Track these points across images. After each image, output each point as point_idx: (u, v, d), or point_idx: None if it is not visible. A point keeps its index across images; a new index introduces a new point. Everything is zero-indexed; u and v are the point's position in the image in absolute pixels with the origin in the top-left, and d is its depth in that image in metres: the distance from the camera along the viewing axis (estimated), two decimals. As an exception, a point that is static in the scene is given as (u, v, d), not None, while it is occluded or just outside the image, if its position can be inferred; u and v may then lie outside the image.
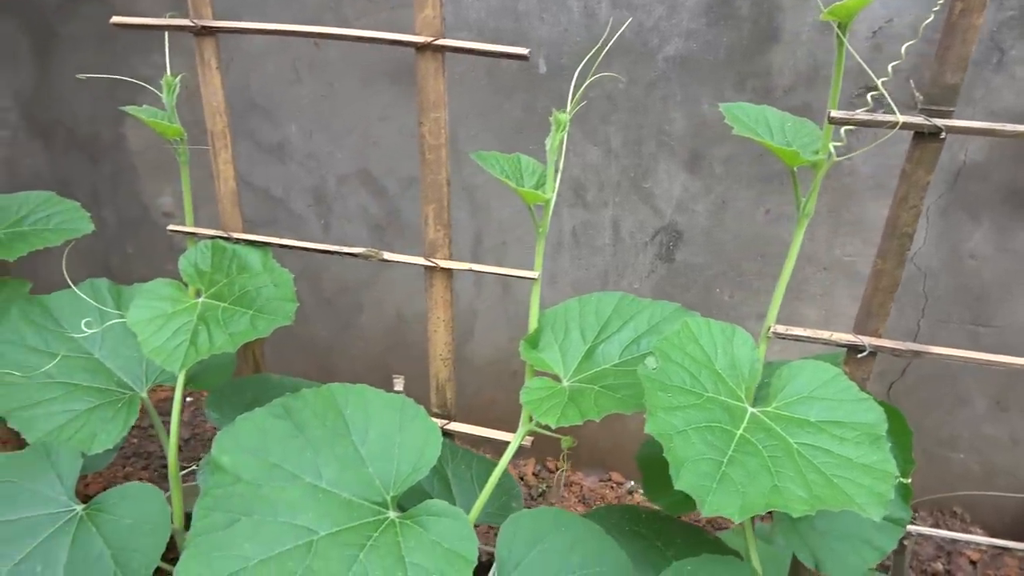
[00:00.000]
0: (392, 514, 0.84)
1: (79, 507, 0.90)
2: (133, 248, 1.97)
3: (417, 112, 0.89)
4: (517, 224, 1.66)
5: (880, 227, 1.45)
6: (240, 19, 1.65)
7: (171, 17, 1.03)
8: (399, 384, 1.07)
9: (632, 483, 1.82)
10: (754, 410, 0.82)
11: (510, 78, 1.54)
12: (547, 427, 0.95)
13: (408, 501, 0.88)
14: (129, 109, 0.96)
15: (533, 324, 0.96)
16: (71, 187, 1.94)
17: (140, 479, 1.79)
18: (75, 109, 1.85)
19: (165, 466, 1.88)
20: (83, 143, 1.88)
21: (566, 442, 0.95)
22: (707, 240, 1.56)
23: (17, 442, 1.45)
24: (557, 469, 1.87)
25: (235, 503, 0.80)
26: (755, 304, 1.58)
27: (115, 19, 0.95)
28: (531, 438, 0.98)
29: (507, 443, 1.05)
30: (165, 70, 1.80)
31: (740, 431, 0.78)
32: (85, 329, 1.02)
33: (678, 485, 0.69)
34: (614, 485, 1.81)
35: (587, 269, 1.65)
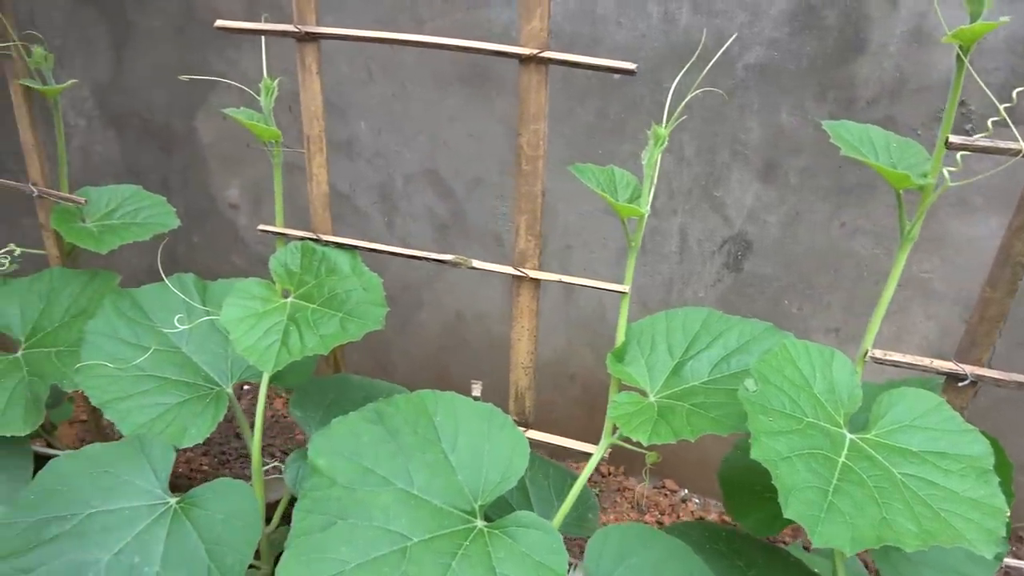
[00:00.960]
0: (480, 523, 0.85)
1: (172, 500, 0.92)
2: (199, 238, 2.01)
3: (516, 123, 0.89)
4: (582, 228, 1.66)
5: (960, 245, 1.42)
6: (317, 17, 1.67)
7: (266, 19, 1.04)
8: (477, 389, 1.08)
9: (686, 491, 1.81)
10: (853, 437, 0.81)
11: (584, 83, 1.54)
12: (628, 440, 0.95)
13: (492, 510, 0.88)
14: (228, 111, 0.97)
15: (620, 338, 0.95)
16: (142, 176, 1.98)
17: (200, 465, 1.83)
18: (150, 100, 1.89)
19: (224, 452, 1.92)
20: (156, 133, 1.92)
21: (651, 458, 0.94)
22: (778, 251, 1.53)
23: (93, 417, 1.49)
24: (609, 474, 1.87)
25: (331, 506, 0.81)
26: (825, 318, 1.56)
27: (219, 23, 0.96)
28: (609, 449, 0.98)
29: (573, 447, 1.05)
30: (238, 65, 1.82)
31: (842, 459, 0.77)
32: (178, 325, 1.04)
33: (787, 513, 0.68)
34: (668, 493, 1.80)
35: (652, 276, 1.63)
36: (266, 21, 1.05)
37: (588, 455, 1.00)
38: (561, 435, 1.05)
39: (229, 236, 1.97)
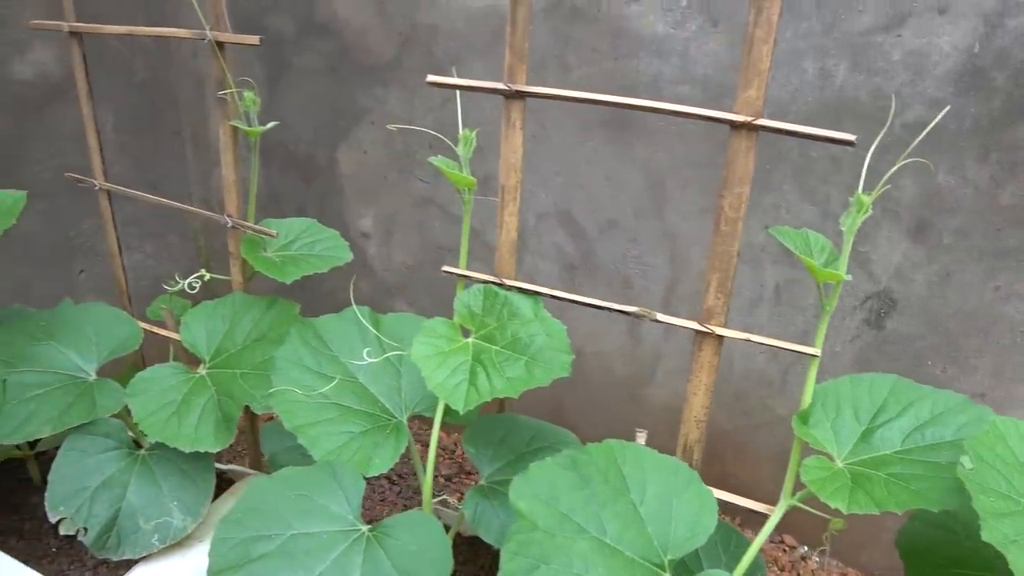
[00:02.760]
0: (670, 577, 0.86)
1: (364, 527, 0.97)
2: (330, 263, 2.09)
3: (720, 185, 0.91)
4: (715, 275, 1.66)
5: None
6: (463, 62, 1.74)
7: (455, 72, 1.10)
8: (641, 438, 1.10)
9: (805, 548, 1.77)
10: (1069, 522, 0.79)
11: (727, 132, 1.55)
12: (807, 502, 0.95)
13: (677, 566, 0.89)
14: (431, 159, 1.03)
15: (807, 400, 0.96)
16: (281, 202, 2.09)
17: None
18: (297, 133, 2.00)
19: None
20: (299, 163, 2.03)
21: (836, 524, 0.94)
22: (923, 311, 1.50)
23: (250, 438, 1.56)
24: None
25: (534, 550, 0.84)
26: (970, 382, 1.51)
27: (431, 78, 1.02)
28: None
29: (751, 507, 1.05)
30: (386, 103, 1.91)
31: (1064, 545, 0.75)
32: (366, 358, 1.09)
33: (1027, 601, 0.68)
34: (787, 549, 1.77)
35: (786, 327, 1.62)
36: (457, 74, 1.11)
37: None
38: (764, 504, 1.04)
39: (358, 263, 2.05)
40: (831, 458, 0.93)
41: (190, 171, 2.18)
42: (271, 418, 1.85)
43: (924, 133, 0.95)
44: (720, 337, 0.98)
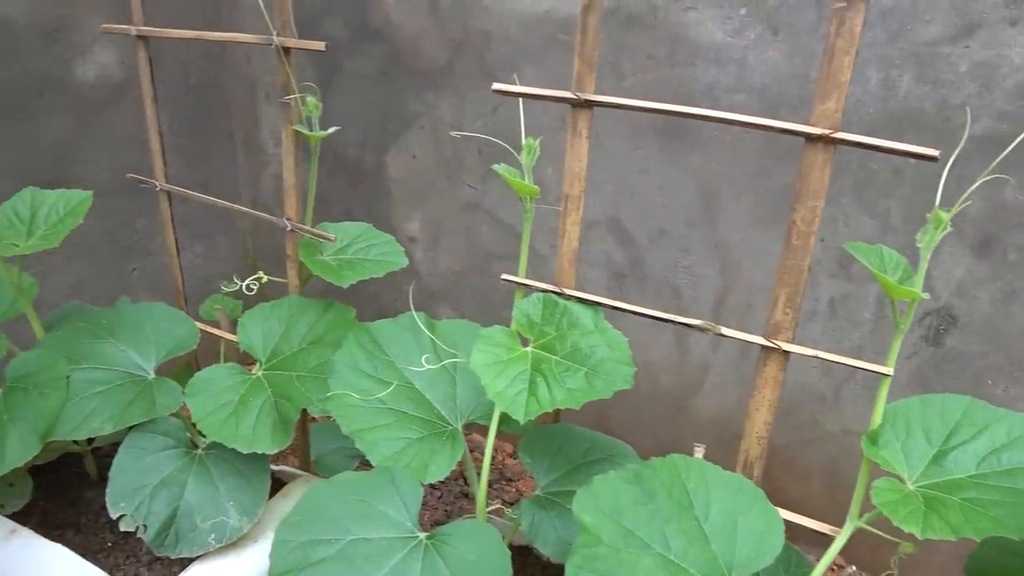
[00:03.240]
0: (735, 597, 0.84)
1: (422, 535, 0.97)
2: (374, 266, 2.10)
3: (793, 198, 0.90)
4: (766, 287, 1.64)
5: None
6: (517, 69, 1.74)
7: (515, 80, 1.10)
8: (699, 452, 1.08)
9: (853, 568, 1.73)
10: None
11: (785, 143, 1.53)
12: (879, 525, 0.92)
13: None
14: (495, 167, 1.02)
15: (876, 420, 0.93)
16: (328, 205, 2.11)
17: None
18: (346, 136, 2.02)
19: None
20: (347, 166, 2.05)
21: (906, 548, 0.91)
22: (986, 328, 1.46)
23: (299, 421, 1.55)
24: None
25: (599, 565, 0.83)
26: (1034, 403, 1.47)
27: (496, 86, 1.02)
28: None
29: (814, 527, 1.03)
30: (436, 109, 1.92)
31: None
32: (425, 364, 1.09)
33: None
34: (835, 567, 1.73)
35: (840, 342, 1.59)
36: (510, 81, 1.10)
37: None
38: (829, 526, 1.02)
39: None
40: (901, 480, 0.91)
41: (240, 173, 2.21)
42: (314, 420, 1.86)
43: (1010, 148, 0.92)
44: (786, 353, 0.96)
